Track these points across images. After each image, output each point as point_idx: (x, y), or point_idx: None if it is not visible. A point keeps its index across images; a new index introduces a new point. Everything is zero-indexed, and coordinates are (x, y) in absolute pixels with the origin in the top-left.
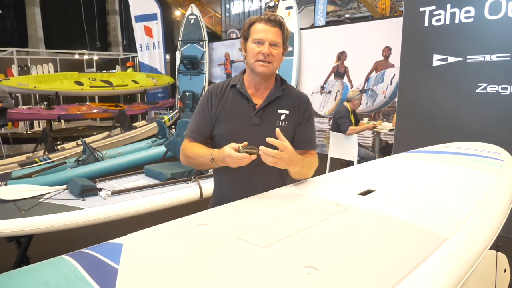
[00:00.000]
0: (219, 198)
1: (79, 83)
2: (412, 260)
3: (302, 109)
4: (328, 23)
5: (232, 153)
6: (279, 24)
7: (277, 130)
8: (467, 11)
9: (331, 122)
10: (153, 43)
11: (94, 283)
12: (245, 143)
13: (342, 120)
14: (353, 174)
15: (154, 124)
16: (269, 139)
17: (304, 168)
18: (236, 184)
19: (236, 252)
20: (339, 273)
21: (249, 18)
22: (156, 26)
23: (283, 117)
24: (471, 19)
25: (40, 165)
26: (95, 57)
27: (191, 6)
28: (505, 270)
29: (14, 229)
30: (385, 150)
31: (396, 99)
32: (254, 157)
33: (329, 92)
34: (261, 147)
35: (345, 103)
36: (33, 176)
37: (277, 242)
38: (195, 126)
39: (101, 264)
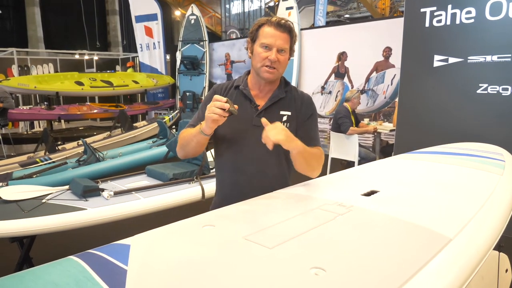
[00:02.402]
0: (221, 198)
1: (80, 83)
2: (418, 260)
3: (304, 108)
4: (328, 23)
5: (214, 96)
6: (288, 30)
7: (263, 119)
8: (468, 12)
9: (331, 122)
10: (153, 43)
11: (103, 284)
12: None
13: (343, 120)
14: (355, 175)
15: (155, 124)
16: (263, 120)
17: (306, 154)
18: (238, 184)
19: (243, 253)
20: (346, 274)
21: (258, 19)
22: (156, 26)
23: (285, 118)
24: (472, 20)
25: (41, 165)
26: (95, 57)
27: (192, 6)
28: (506, 270)
29: (17, 229)
30: (386, 150)
31: (396, 100)
32: (225, 105)
33: (330, 92)
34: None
35: (345, 104)
36: (34, 176)
37: (283, 243)
38: (197, 120)
39: (109, 265)
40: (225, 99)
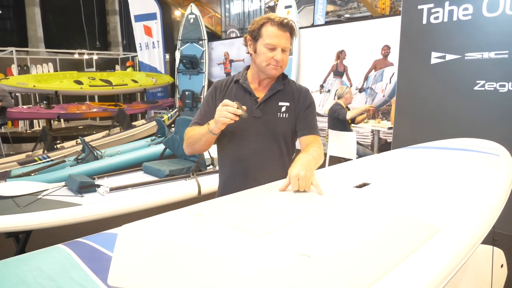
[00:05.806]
0: (222, 190)
1: (79, 82)
2: (406, 248)
3: (302, 99)
4: (327, 23)
5: (224, 101)
6: (290, 29)
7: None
8: (465, 9)
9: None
10: (153, 42)
11: (88, 270)
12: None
13: (339, 111)
14: (349, 168)
15: (154, 123)
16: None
17: (317, 157)
18: (240, 175)
19: (230, 240)
20: (332, 261)
21: (260, 17)
22: (156, 26)
23: (283, 109)
24: (469, 17)
25: (39, 163)
26: (95, 57)
27: (191, 5)
28: (501, 266)
29: (12, 225)
30: (384, 148)
31: (394, 98)
32: (238, 111)
33: (328, 91)
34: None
35: (338, 101)
36: (32, 174)
37: (271, 231)
38: (200, 117)
39: (96, 253)
40: (236, 104)
